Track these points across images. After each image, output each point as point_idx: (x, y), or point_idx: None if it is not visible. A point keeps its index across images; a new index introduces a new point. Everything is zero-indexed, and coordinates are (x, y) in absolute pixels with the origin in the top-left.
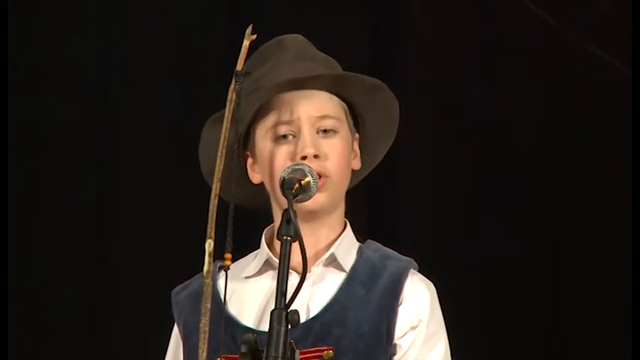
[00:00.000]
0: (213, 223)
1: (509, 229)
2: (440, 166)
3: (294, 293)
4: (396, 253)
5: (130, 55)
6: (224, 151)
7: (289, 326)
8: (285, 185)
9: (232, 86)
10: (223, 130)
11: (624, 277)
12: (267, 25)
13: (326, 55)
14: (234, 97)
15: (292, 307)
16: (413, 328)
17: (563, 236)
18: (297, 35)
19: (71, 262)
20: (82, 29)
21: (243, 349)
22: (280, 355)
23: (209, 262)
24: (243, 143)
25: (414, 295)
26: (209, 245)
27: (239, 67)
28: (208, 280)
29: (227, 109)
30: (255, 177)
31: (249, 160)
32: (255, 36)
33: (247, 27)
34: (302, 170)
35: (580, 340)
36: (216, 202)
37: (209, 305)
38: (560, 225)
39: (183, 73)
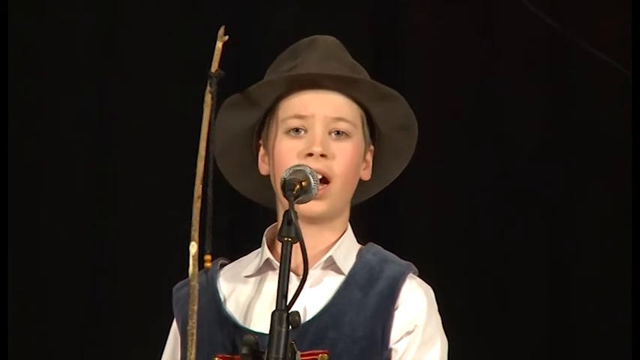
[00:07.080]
0: (197, 225)
1: (510, 231)
2: (441, 168)
3: (294, 295)
4: (396, 256)
5: (129, 55)
6: (204, 153)
7: (290, 327)
8: (286, 187)
9: (208, 88)
10: (202, 132)
11: (625, 278)
12: (267, 26)
13: (355, 62)
14: (209, 99)
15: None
16: (408, 333)
17: (565, 237)
18: (330, 37)
19: (71, 262)
20: (82, 30)
21: (244, 350)
22: (281, 357)
23: (194, 265)
24: (258, 132)
25: (411, 299)
26: (192, 247)
27: (213, 68)
28: (194, 283)
29: (205, 112)
30: (264, 168)
31: (261, 151)
32: (227, 37)
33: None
34: (303, 171)
35: (582, 340)
36: (199, 204)
37: (195, 307)
38: (561, 226)
39: (182, 73)
